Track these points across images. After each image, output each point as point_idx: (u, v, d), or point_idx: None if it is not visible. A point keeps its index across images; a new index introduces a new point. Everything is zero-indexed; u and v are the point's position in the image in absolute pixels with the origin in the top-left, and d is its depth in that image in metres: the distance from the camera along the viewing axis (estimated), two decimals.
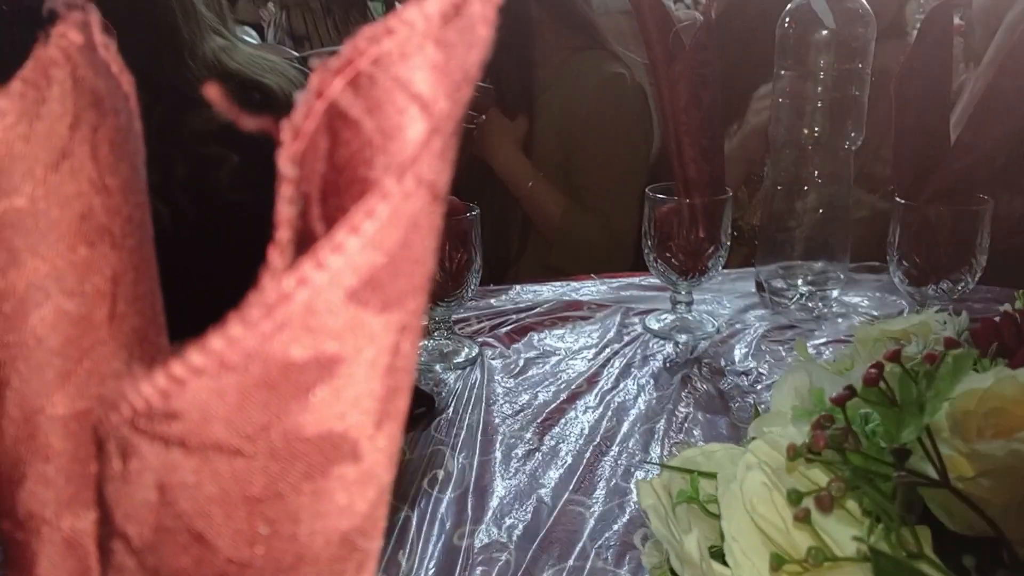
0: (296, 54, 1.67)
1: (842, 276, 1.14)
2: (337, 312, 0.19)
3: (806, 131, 1.10)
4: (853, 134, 1.10)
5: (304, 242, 0.23)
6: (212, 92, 0.19)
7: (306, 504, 0.21)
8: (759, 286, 1.18)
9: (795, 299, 1.14)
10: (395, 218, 0.20)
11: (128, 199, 0.26)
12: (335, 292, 0.19)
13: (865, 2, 1.06)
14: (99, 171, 0.24)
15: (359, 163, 0.23)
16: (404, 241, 0.20)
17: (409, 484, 0.79)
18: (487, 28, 0.21)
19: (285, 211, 0.20)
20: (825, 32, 1.06)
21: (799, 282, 1.15)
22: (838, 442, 0.42)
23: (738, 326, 1.11)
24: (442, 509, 0.76)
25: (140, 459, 0.19)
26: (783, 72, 1.09)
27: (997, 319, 0.53)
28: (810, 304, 1.13)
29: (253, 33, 1.83)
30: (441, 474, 0.81)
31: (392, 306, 0.21)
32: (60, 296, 0.23)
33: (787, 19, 1.07)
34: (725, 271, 1.17)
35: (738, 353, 1.04)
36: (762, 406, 0.81)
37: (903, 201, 1.00)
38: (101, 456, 0.21)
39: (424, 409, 0.90)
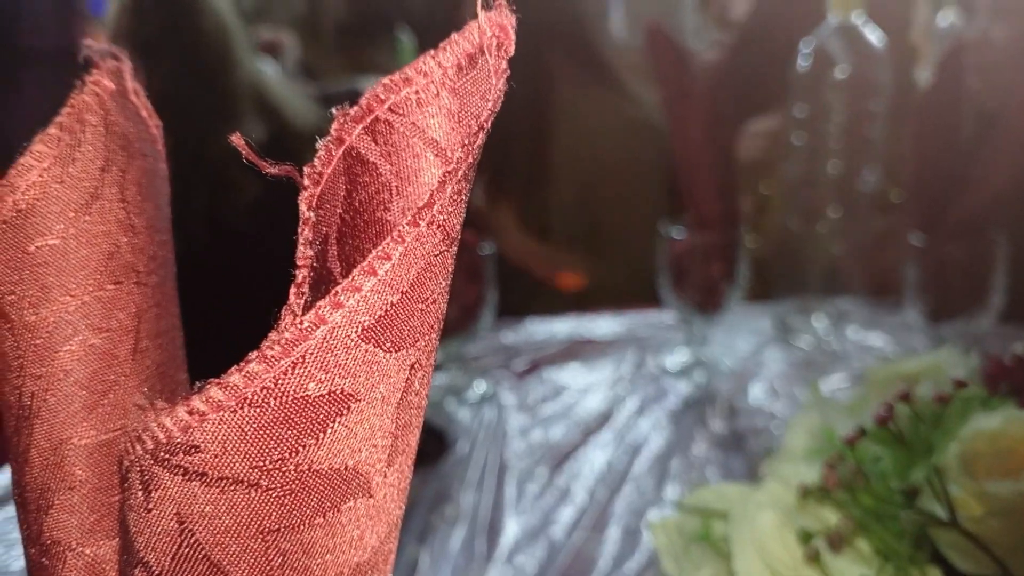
0: (319, 89, 1.70)
1: (859, 314, 1.14)
2: (352, 350, 0.20)
3: (821, 171, 1.11)
4: (869, 175, 1.10)
5: (321, 280, 0.24)
6: (237, 140, 0.20)
7: (319, 537, 0.21)
8: (775, 324, 1.18)
9: (811, 337, 1.14)
10: (409, 260, 0.20)
11: (153, 238, 0.27)
12: (351, 331, 0.20)
13: (878, 42, 1.08)
14: (127, 211, 0.26)
15: (376, 205, 0.24)
16: (417, 282, 0.21)
17: (420, 520, 0.79)
18: (500, 79, 0.22)
19: (304, 252, 0.21)
20: (840, 72, 1.07)
21: (815, 320, 1.15)
22: (849, 482, 0.42)
23: (753, 364, 1.11)
24: (453, 546, 0.76)
25: (161, 490, 0.20)
26: (797, 113, 1.10)
27: (1007, 359, 0.53)
28: (826, 342, 1.13)
29: (272, 62, 1.87)
30: (452, 511, 0.81)
31: (405, 344, 0.21)
32: (87, 331, 0.24)
33: (801, 59, 1.08)
34: (740, 306, 1.17)
35: (753, 392, 1.04)
36: (775, 445, 0.82)
37: (918, 238, 1.01)
38: (124, 486, 0.21)
39: (436, 445, 0.90)
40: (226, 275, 1.00)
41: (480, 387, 1.04)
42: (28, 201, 0.23)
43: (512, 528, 0.78)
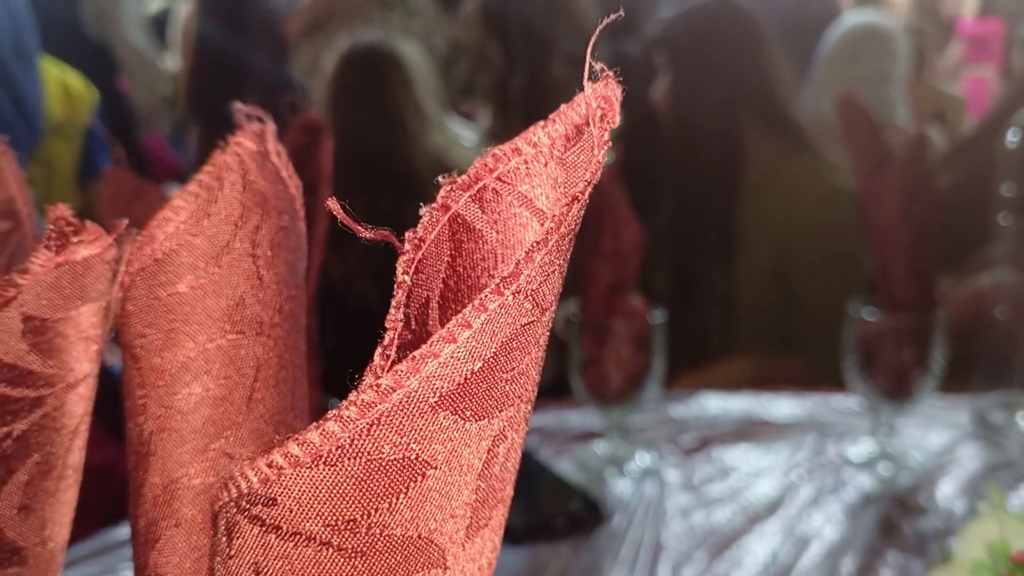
0: None
1: None
2: (429, 416, 0.20)
3: None
4: None
5: (421, 344, 0.24)
6: (332, 205, 0.21)
7: None
8: (975, 419, 1.08)
9: (1015, 437, 1.03)
10: (492, 328, 0.20)
11: (282, 292, 0.28)
12: (428, 396, 0.20)
13: None
14: (256, 265, 0.27)
15: (481, 272, 0.23)
16: (502, 351, 0.21)
17: None
18: (602, 151, 0.21)
19: (394, 315, 0.21)
20: None
21: (1020, 418, 1.04)
22: None
23: (946, 461, 1.01)
24: None
25: (241, 539, 0.21)
26: (1005, 191, 1.01)
27: None
28: None
29: (471, 133, 1.95)
30: None
31: (487, 413, 0.21)
32: (207, 377, 0.25)
33: (1011, 134, 1.00)
34: (936, 398, 1.08)
35: (943, 491, 0.95)
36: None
37: None
38: (213, 531, 0.22)
39: (591, 516, 0.89)
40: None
41: (643, 460, 1.01)
42: (164, 251, 0.25)
43: None
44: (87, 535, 0.87)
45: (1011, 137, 1.00)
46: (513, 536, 0.85)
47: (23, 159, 1.54)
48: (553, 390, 1.45)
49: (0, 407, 0.25)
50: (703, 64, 1.56)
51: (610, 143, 0.21)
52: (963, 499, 0.93)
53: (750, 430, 1.12)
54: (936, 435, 1.08)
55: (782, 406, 1.19)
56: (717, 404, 1.20)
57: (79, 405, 0.27)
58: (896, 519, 0.89)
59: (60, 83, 1.81)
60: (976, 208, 1.39)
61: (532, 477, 0.97)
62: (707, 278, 1.61)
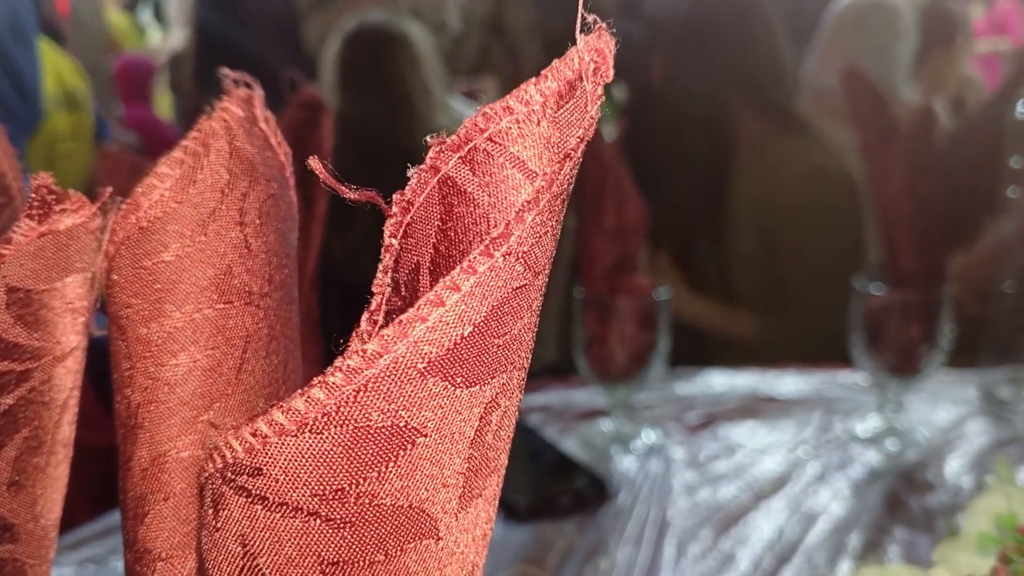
0: None
1: None
2: (417, 382, 0.19)
3: None
4: None
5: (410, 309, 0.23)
6: (315, 164, 0.20)
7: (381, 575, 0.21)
8: (982, 394, 1.07)
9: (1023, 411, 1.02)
10: (482, 291, 0.19)
11: (271, 261, 0.27)
12: (416, 362, 0.19)
13: None
14: (243, 234, 0.26)
15: (473, 236, 0.23)
16: (493, 315, 0.20)
17: (572, 570, 0.77)
18: (595, 106, 0.21)
19: (381, 279, 0.21)
20: None
21: None
22: None
23: (953, 437, 1.00)
24: None
25: (227, 510, 0.20)
26: (1014, 164, 1.00)
27: None
28: None
29: (473, 105, 1.94)
30: (607, 564, 0.78)
31: (479, 380, 0.20)
32: (194, 348, 0.25)
33: (1020, 105, 0.99)
34: (943, 373, 1.07)
35: (951, 467, 0.94)
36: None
37: None
38: (200, 503, 0.21)
39: (596, 493, 0.88)
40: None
41: (648, 438, 1.01)
42: (149, 219, 0.24)
43: None
44: (93, 516, 0.87)
45: (1020, 109, 0.99)
46: (518, 514, 0.85)
47: (22, 140, 1.53)
48: (558, 368, 1.44)
49: None
50: (697, 43, 1.55)
51: (610, 111, 0.20)
52: (971, 475, 0.92)
53: (756, 407, 1.11)
54: (944, 411, 1.08)
55: (788, 382, 1.19)
56: (722, 381, 1.19)
57: (67, 378, 0.26)
58: (903, 495, 0.89)
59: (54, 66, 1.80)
60: (985, 182, 1.38)
61: (537, 455, 0.97)
62: (699, 261, 1.60)
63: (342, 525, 0.20)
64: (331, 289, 0.87)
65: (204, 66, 2.30)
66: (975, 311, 1.17)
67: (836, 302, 1.39)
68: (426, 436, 0.20)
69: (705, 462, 0.97)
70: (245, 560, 0.20)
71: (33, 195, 0.24)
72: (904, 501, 0.88)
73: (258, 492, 0.20)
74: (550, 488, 0.90)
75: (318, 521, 0.20)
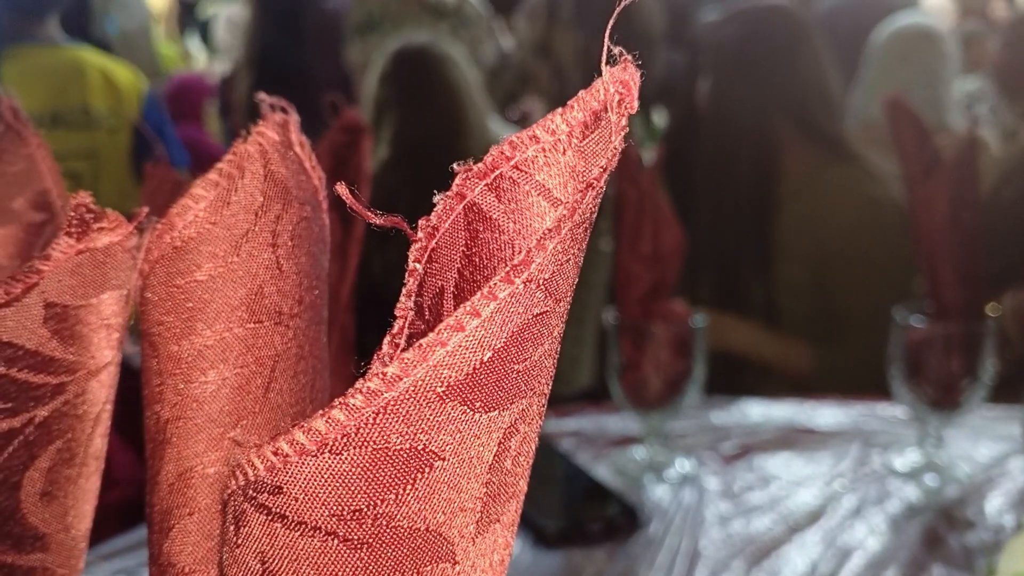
0: None
1: None
2: (436, 406, 0.19)
3: None
4: None
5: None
6: (343, 191, 0.21)
7: None
8: None
9: None
10: (502, 317, 0.20)
11: (302, 282, 0.28)
12: (435, 386, 0.19)
13: None
14: (275, 255, 0.27)
15: (498, 263, 0.23)
16: (513, 341, 0.20)
17: None
18: (619, 137, 0.21)
19: (404, 303, 0.21)
20: None
21: None
22: None
23: (995, 474, 0.98)
24: None
25: (248, 527, 0.20)
26: None
27: None
28: None
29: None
30: None
31: (498, 405, 0.20)
32: (223, 366, 0.25)
33: None
34: (986, 409, 1.05)
35: (992, 504, 0.92)
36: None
37: None
38: (223, 519, 0.22)
39: (627, 522, 0.87)
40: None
41: (682, 467, 1.00)
42: (183, 239, 0.25)
43: None
44: (128, 528, 0.88)
45: None
46: (548, 539, 0.85)
47: None
48: (593, 393, 1.43)
49: (22, 393, 0.25)
50: (746, 69, 1.54)
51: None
52: (1012, 513, 0.90)
53: (793, 438, 1.10)
54: (985, 447, 1.05)
55: (826, 414, 1.17)
56: (759, 411, 1.18)
57: (100, 392, 0.27)
58: (942, 532, 0.87)
59: (102, 74, 1.82)
60: None
61: (569, 481, 0.97)
62: (746, 290, 1.59)
63: (359, 546, 0.20)
64: (369, 307, 0.88)
65: (261, 87, 2.33)
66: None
67: (887, 333, 1.36)
68: (444, 460, 0.20)
69: (739, 493, 0.96)
70: None
71: (72, 213, 0.25)
72: (943, 538, 0.86)
73: (278, 510, 0.20)
74: (581, 514, 0.90)
75: (336, 541, 0.20)
